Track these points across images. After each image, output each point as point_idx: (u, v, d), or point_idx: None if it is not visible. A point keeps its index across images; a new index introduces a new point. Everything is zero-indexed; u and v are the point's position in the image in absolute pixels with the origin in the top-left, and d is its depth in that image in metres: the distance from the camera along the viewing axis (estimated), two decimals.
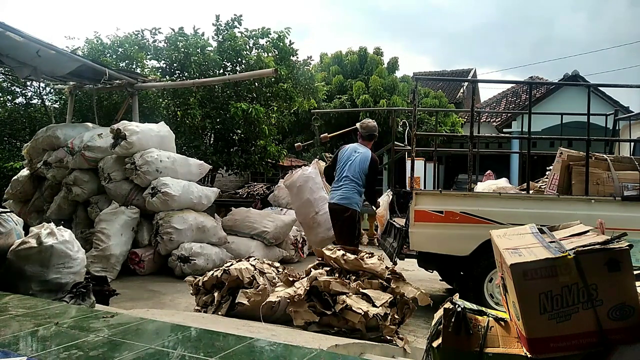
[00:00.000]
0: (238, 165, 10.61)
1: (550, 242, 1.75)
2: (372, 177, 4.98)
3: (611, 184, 4.59)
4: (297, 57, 10.74)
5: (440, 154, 10.29)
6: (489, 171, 9.62)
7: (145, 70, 9.66)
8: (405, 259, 4.90)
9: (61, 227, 3.68)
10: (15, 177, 7.40)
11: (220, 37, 10.36)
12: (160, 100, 9.88)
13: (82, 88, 7.94)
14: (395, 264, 4.65)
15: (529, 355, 1.63)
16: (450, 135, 13.85)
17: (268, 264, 4.10)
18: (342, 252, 3.65)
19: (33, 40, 5.57)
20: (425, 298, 3.37)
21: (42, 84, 9.78)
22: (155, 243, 5.96)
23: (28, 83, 9.93)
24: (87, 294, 3.34)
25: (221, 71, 10.24)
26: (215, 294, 3.76)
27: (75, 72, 6.63)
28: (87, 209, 6.49)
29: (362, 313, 3.09)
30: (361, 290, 3.35)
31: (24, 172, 7.34)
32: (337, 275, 3.48)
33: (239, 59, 10.22)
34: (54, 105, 10.42)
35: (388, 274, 3.55)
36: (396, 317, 3.32)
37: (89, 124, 7.39)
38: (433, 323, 1.89)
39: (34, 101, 10.59)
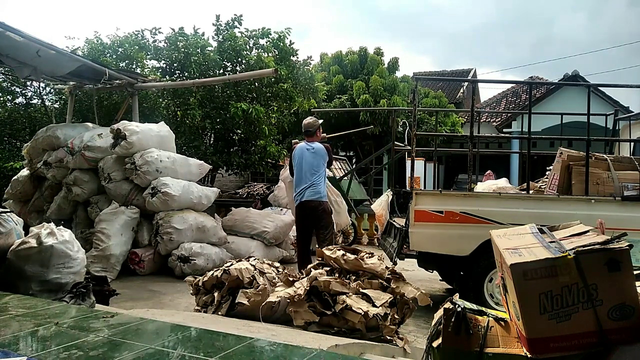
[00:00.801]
0: (238, 165, 10.61)
1: (550, 242, 1.75)
2: (330, 159, 5.33)
3: (611, 184, 4.59)
4: (297, 57, 10.75)
5: (440, 154, 10.30)
6: (489, 171, 9.63)
7: (145, 70, 9.66)
8: (405, 259, 4.90)
9: (61, 227, 3.68)
10: (15, 177, 7.39)
11: (221, 37, 10.37)
12: (160, 100, 9.89)
13: (82, 88, 7.94)
14: (395, 264, 4.65)
15: (529, 355, 1.63)
16: (450, 135, 13.86)
17: (268, 264, 4.10)
18: (342, 252, 3.64)
19: (33, 40, 5.57)
20: (425, 298, 3.37)
21: (42, 84, 9.78)
22: (155, 243, 5.96)
23: (28, 83, 9.93)
24: (87, 294, 3.34)
25: (221, 71, 10.25)
26: (215, 294, 3.76)
27: (75, 72, 6.63)
28: (87, 209, 6.49)
29: (362, 313, 3.09)
30: (361, 290, 3.35)
31: (24, 172, 7.34)
32: (337, 275, 3.47)
33: (239, 59, 10.22)
34: (54, 105, 10.42)
35: (388, 274, 3.55)
36: (396, 317, 3.32)
37: (89, 124, 7.39)
38: (433, 323, 1.89)
39: (34, 101, 10.61)
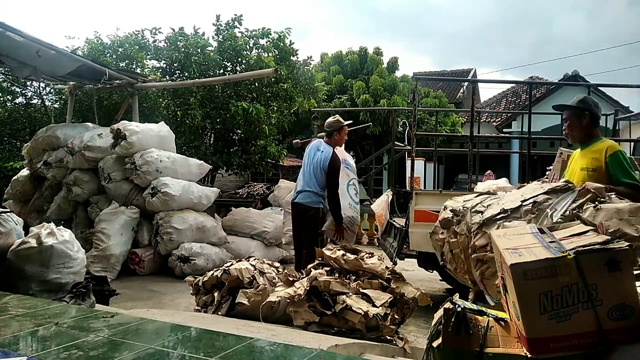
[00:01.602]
0: (238, 165, 10.61)
1: (550, 242, 1.75)
2: (331, 180, 4.55)
3: None
4: (297, 57, 10.76)
5: (440, 154, 10.28)
6: (489, 171, 9.63)
7: (145, 70, 9.66)
8: (405, 259, 4.90)
9: (61, 227, 3.67)
10: (15, 177, 7.40)
11: (221, 37, 10.37)
12: (160, 100, 9.89)
13: (82, 88, 7.94)
14: (395, 264, 4.65)
15: (529, 355, 1.63)
16: (450, 135, 13.87)
17: (268, 264, 4.10)
18: (342, 252, 3.65)
19: (33, 40, 5.57)
20: (425, 298, 3.37)
21: (42, 84, 9.79)
22: (155, 243, 5.96)
23: (28, 83, 9.94)
24: (87, 294, 3.34)
25: (221, 71, 10.25)
26: (215, 294, 3.76)
27: (75, 72, 6.64)
28: (87, 209, 6.49)
29: (362, 313, 3.09)
30: (361, 290, 3.35)
31: (24, 172, 7.34)
32: (337, 275, 3.48)
33: (239, 59, 10.22)
34: (54, 105, 10.43)
35: (388, 274, 3.55)
36: (396, 317, 3.32)
37: (89, 124, 7.39)
38: (433, 323, 1.89)
39: (34, 101, 10.62)
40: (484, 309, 1.89)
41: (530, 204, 2.46)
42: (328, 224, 4.69)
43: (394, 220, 5.47)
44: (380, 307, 3.19)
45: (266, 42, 10.40)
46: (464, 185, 6.97)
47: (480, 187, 6.03)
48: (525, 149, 6.13)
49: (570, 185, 2.51)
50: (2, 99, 10.49)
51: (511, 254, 1.69)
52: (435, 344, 1.75)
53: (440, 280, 5.84)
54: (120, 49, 9.56)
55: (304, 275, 3.60)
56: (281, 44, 10.23)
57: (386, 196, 6.04)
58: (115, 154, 6.27)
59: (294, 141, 8.69)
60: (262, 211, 8.23)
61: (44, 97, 10.51)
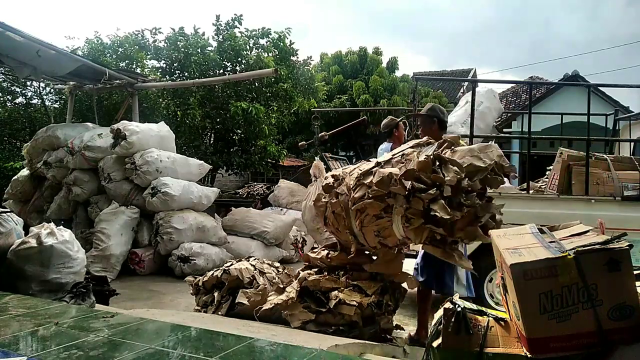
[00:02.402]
0: (238, 165, 10.62)
1: (550, 242, 1.75)
2: None
3: (611, 184, 4.59)
4: (297, 57, 10.76)
5: None
6: None
7: (145, 70, 9.66)
8: (405, 259, 4.89)
9: (61, 227, 3.68)
10: (15, 177, 7.40)
11: (221, 37, 10.37)
12: (160, 100, 9.89)
13: (82, 88, 7.94)
14: None
15: (529, 355, 1.63)
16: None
17: (268, 264, 4.10)
18: (325, 251, 3.65)
19: (33, 40, 5.57)
20: (412, 282, 3.41)
21: (42, 84, 9.79)
22: (155, 243, 5.96)
23: (28, 83, 9.94)
24: (87, 294, 3.34)
25: (221, 71, 10.25)
26: (215, 294, 3.76)
27: (75, 72, 6.64)
28: (87, 209, 6.49)
29: (357, 304, 3.10)
30: (351, 282, 3.35)
31: (24, 172, 7.34)
32: (325, 273, 3.48)
33: (239, 59, 10.23)
34: (54, 105, 10.43)
35: None
36: (390, 303, 3.32)
37: (89, 124, 7.39)
38: (433, 323, 1.89)
39: (34, 101, 10.62)
40: (484, 309, 1.89)
41: (400, 156, 3.00)
42: None
43: None
44: (373, 296, 3.20)
45: (266, 42, 10.40)
46: None
47: None
48: (525, 149, 6.13)
49: (431, 140, 3.05)
50: (2, 99, 10.49)
51: (511, 253, 1.69)
52: (435, 344, 1.76)
53: None
54: (120, 49, 9.56)
55: (294, 279, 3.61)
56: (281, 44, 10.23)
57: None
58: (115, 154, 6.27)
59: (299, 143, 8.67)
60: (262, 211, 8.23)
61: (44, 97, 10.51)
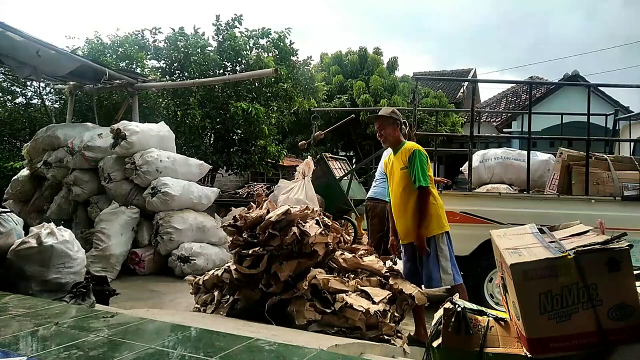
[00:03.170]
0: (238, 165, 10.61)
1: (550, 242, 1.75)
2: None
3: (611, 184, 4.59)
4: (297, 57, 10.75)
5: (440, 154, 10.27)
6: None
7: (145, 70, 9.66)
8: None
9: (61, 227, 3.68)
10: (15, 177, 7.39)
11: (220, 37, 10.37)
12: (160, 100, 9.89)
13: (82, 88, 7.94)
14: (395, 263, 4.65)
15: (529, 355, 1.63)
16: (450, 135, 13.86)
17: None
18: (339, 251, 3.65)
19: (33, 40, 5.57)
20: (422, 297, 3.39)
21: (42, 84, 9.78)
22: (155, 243, 5.96)
23: (28, 83, 9.93)
24: (87, 294, 3.34)
25: (221, 71, 10.25)
26: (215, 294, 3.76)
27: (75, 72, 6.64)
28: (87, 209, 6.49)
29: (363, 310, 3.09)
30: (360, 287, 3.35)
31: (24, 172, 7.34)
32: (335, 274, 3.48)
33: (239, 59, 10.22)
34: (54, 105, 10.41)
35: (386, 271, 3.56)
36: (396, 314, 3.32)
37: (89, 124, 7.39)
38: (433, 323, 1.89)
39: (34, 101, 10.60)
40: (484, 309, 1.89)
41: None
42: None
43: None
44: (380, 304, 3.19)
45: (266, 42, 10.40)
46: (464, 185, 6.96)
47: (480, 187, 6.03)
48: (525, 149, 6.13)
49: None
50: (2, 99, 10.48)
51: (511, 253, 1.70)
52: (435, 344, 1.76)
53: None
54: (120, 49, 9.55)
55: None
56: (281, 44, 10.23)
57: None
58: (115, 154, 6.27)
59: (300, 143, 8.65)
60: None
61: (44, 97, 10.49)
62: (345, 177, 8.87)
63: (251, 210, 3.62)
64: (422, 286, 3.54)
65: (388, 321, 3.18)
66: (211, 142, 10.79)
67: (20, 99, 10.58)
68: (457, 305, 1.76)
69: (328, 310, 3.21)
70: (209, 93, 9.93)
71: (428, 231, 3.47)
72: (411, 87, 14.39)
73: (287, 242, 3.28)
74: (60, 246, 3.45)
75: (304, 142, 9.03)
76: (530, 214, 4.21)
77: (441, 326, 1.75)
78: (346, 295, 3.23)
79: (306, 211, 3.59)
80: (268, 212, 3.47)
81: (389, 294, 3.33)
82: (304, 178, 6.94)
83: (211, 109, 9.83)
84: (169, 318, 3.03)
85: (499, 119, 17.74)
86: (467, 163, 4.88)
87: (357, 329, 3.14)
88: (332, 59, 17.15)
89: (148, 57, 10.09)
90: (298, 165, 7.54)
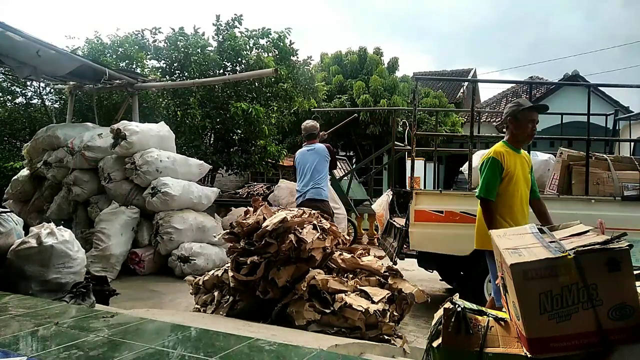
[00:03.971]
0: (238, 165, 10.62)
1: (550, 242, 1.75)
2: (332, 158, 5.34)
3: (611, 184, 4.59)
4: (297, 57, 10.75)
5: (440, 154, 10.27)
6: None
7: (145, 70, 9.66)
8: (406, 259, 4.90)
9: (61, 227, 3.68)
10: (15, 177, 7.40)
11: (221, 37, 10.37)
12: (160, 100, 9.89)
13: (82, 88, 7.94)
14: (395, 263, 4.66)
15: (529, 355, 1.62)
16: (450, 135, 13.87)
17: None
18: (338, 252, 3.64)
19: (33, 40, 5.57)
20: (421, 295, 3.39)
21: (42, 84, 9.79)
22: (155, 243, 5.96)
23: (28, 83, 9.94)
24: (87, 294, 3.34)
25: (221, 71, 10.25)
26: (215, 294, 3.76)
27: (75, 72, 6.64)
28: (87, 209, 6.49)
29: (363, 310, 3.09)
30: (359, 287, 3.35)
31: (24, 172, 7.34)
32: (334, 274, 3.48)
33: (239, 59, 10.23)
34: (54, 105, 10.42)
35: (385, 271, 3.56)
36: (395, 314, 3.32)
37: (89, 124, 7.39)
38: (433, 323, 1.89)
39: (34, 101, 10.61)
40: (484, 309, 1.89)
41: None
42: None
43: (394, 220, 5.47)
44: (379, 303, 3.19)
45: (266, 42, 10.40)
46: (464, 185, 6.96)
47: None
48: (524, 148, 6.12)
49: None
50: (2, 99, 10.49)
51: (511, 253, 1.69)
52: (435, 344, 1.75)
53: (440, 280, 5.84)
54: (120, 49, 9.56)
55: None
56: (281, 44, 10.23)
57: (386, 196, 6.04)
58: (115, 154, 6.27)
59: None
60: None
61: (44, 97, 10.50)
62: (345, 177, 8.89)
63: (248, 216, 3.62)
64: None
65: (387, 321, 3.18)
66: (211, 142, 10.79)
67: (20, 99, 10.59)
68: (457, 305, 1.75)
69: (327, 311, 3.21)
70: (209, 93, 9.93)
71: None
72: (411, 87, 14.39)
73: (284, 249, 3.28)
74: (60, 246, 3.45)
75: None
76: (530, 214, 4.21)
77: (441, 326, 1.75)
78: (345, 295, 3.23)
79: (303, 216, 3.58)
80: (264, 218, 3.47)
81: (388, 294, 3.33)
82: None
83: (211, 109, 9.83)
84: (169, 318, 3.03)
85: (499, 119, 17.71)
86: (467, 163, 4.88)
87: (357, 329, 3.14)
88: (332, 59, 17.15)
89: (148, 57, 10.10)
90: None
